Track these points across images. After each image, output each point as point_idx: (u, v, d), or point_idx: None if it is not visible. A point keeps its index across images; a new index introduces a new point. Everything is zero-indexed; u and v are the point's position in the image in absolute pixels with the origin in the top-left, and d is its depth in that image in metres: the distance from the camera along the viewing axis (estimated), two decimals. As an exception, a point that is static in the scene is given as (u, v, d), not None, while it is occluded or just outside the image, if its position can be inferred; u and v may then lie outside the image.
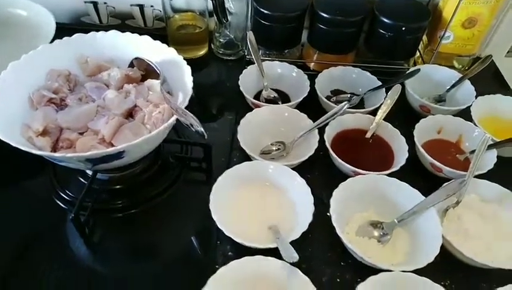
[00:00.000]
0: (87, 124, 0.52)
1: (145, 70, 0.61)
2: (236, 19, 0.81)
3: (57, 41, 0.60)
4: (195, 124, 0.47)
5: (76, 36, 0.61)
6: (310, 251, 0.55)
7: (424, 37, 0.85)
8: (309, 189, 0.55)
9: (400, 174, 0.64)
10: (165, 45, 0.61)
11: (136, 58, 0.60)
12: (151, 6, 0.88)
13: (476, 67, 0.75)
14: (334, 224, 0.51)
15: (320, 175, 0.65)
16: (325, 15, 0.74)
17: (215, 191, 0.54)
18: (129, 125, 0.51)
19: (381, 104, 0.68)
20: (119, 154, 0.46)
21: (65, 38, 0.61)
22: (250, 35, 0.75)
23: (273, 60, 0.78)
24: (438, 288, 0.46)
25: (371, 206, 0.58)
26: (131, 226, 0.59)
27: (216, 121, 0.74)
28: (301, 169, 0.64)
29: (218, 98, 0.80)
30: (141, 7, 0.89)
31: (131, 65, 0.62)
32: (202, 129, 0.47)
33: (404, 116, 0.73)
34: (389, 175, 0.61)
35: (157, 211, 0.60)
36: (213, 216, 0.51)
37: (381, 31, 0.75)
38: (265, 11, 0.75)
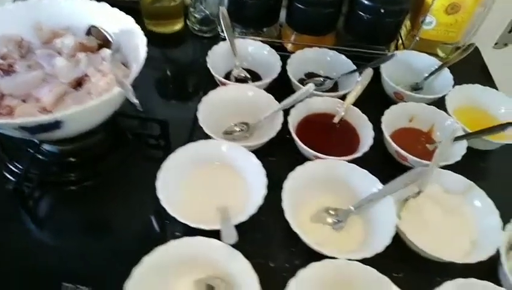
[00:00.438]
0: (32, 91, 0.49)
1: (103, 40, 0.59)
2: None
3: (10, 5, 0.57)
4: (129, 95, 0.45)
5: (33, 1, 0.58)
6: (260, 234, 0.54)
7: (408, 23, 0.82)
8: (263, 171, 0.53)
9: (366, 161, 0.61)
10: (123, 13, 0.58)
11: (92, 27, 0.58)
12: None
13: (456, 56, 0.72)
14: (284, 208, 0.49)
15: (283, 159, 0.62)
16: (301, -8, 0.71)
17: (164, 169, 0.52)
18: (73, 95, 0.49)
19: (352, 89, 0.65)
20: (56, 124, 0.43)
21: (20, 2, 0.58)
22: (223, 10, 0.72)
23: (248, 39, 0.75)
24: (382, 279, 0.44)
25: (329, 192, 0.56)
26: (83, 200, 0.57)
27: (183, 99, 0.72)
28: (264, 152, 0.62)
29: (189, 75, 0.78)
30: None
31: (88, 33, 0.59)
32: (136, 101, 0.45)
33: (378, 102, 0.70)
34: (353, 161, 0.58)
35: (110, 186, 0.58)
36: (158, 195, 0.49)
37: (360, 12, 0.72)
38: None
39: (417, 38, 0.77)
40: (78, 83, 0.53)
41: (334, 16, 0.75)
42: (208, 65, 0.68)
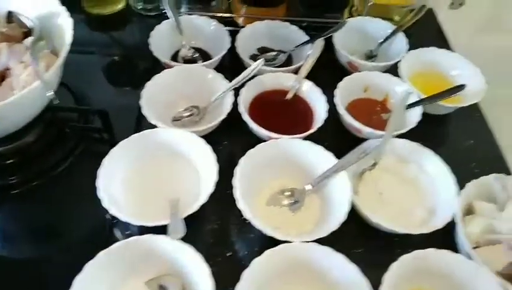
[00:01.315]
0: None
1: (29, 28, 0.53)
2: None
3: None
4: (44, 88, 0.41)
5: None
6: (215, 224, 0.52)
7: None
8: (214, 156, 0.50)
9: (323, 137, 0.59)
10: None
11: (9, 12, 0.52)
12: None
13: (410, 19, 0.70)
14: (236, 194, 0.47)
15: (237, 141, 0.60)
16: (245, -39, 0.66)
17: (106, 166, 0.48)
18: (-7, 92, 0.44)
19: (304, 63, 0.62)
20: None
21: None
22: (164, -15, 0.66)
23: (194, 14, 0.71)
24: (338, 256, 0.43)
25: (286, 173, 0.54)
26: (25, 204, 0.53)
27: (128, 85, 0.67)
28: (217, 135, 0.59)
29: (134, 58, 0.73)
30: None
31: (10, 21, 0.53)
32: (50, 94, 0.41)
33: (335, 73, 0.68)
34: (310, 137, 0.56)
35: (54, 186, 0.54)
36: (99, 194, 0.46)
37: (308, -21, 0.68)
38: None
39: (370, 3, 0.75)
40: (2, 77, 0.48)
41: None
42: (150, 47, 0.63)
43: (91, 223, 0.51)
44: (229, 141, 0.60)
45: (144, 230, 0.45)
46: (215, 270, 0.44)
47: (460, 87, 0.57)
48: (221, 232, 0.51)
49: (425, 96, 0.59)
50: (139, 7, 0.78)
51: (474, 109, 0.68)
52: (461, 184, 0.51)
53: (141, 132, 0.51)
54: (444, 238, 0.49)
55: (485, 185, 0.50)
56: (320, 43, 0.62)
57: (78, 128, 0.57)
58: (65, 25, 0.50)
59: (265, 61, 0.68)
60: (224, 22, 0.75)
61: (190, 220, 0.47)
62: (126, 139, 0.51)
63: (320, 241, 0.45)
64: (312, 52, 0.61)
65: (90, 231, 0.50)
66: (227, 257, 0.49)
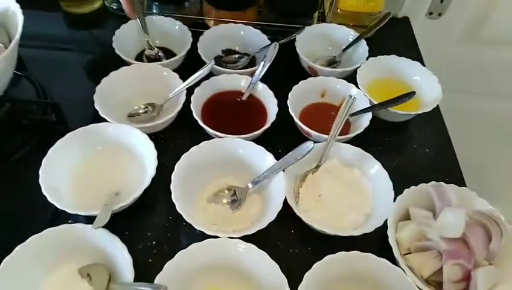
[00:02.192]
0: None
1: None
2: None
3: None
4: None
5: None
6: (160, 217, 0.52)
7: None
8: (154, 152, 0.51)
9: (275, 139, 0.61)
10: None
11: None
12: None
13: (373, 26, 0.70)
14: (172, 189, 0.48)
15: (189, 139, 0.60)
16: (211, -35, 0.68)
17: (51, 155, 0.50)
18: None
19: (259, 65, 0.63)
20: None
21: None
22: (131, -15, 0.68)
23: (167, 17, 0.72)
24: (259, 253, 0.43)
25: (231, 171, 0.55)
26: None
27: (93, 81, 0.69)
28: (171, 132, 0.61)
29: (102, 56, 0.74)
30: (26, -45, 0.80)
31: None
32: None
33: (297, 77, 0.68)
34: (262, 138, 0.57)
35: (2, 174, 0.56)
36: (40, 182, 0.47)
37: (274, -15, 0.69)
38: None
39: (338, 10, 0.75)
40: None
41: (249, -10, 0.72)
42: (113, 44, 0.65)
43: (36, 210, 0.52)
44: (183, 137, 0.61)
45: (88, 221, 0.47)
46: (146, 262, 0.45)
47: (411, 94, 0.58)
48: (156, 226, 0.52)
49: (377, 102, 0.60)
50: (114, 7, 0.80)
51: (436, 117, 0.68)
52: (400, 190, 0.51)
53: (88, 126, 0.53)
54: (386, 242, 0.49)
55: (423, 192, 0.50)
56: (273, 47, 0.62)
57: (34, 120, 0.59)
58: (18, 21, 0.52)
59: (228, 63, 0.70)
60: (196, 24, 0.77)
61: (136, 212, 0.49)
62: (72, 132, 0.52)
63: (257, 240, 0.45)
64: (267, 56, 0.62)
65: (33, 218, 0.51)
66: (163, 250, 0.50)
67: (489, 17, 0.92)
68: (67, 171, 0.51)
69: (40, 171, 0.48)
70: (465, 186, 0.60)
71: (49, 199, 0.46)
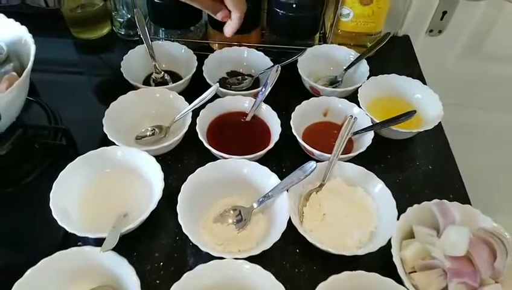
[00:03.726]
0: None
1: None
2: (131, -3, 0.78)
3: None
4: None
5: None
6: (167, 239, 0.53)
7: (332, 15, 0.82)
8: (161, 174, 0.53)
9: (279, 158, 0.62)
10: (17, 23, 0.58)
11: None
12: (49, -16, 0.84)
13: (373, 46, 0.72)
14: (178, 210, 0.49)
15: (195, 160, 0.62)
16: (215, -8, 0.70)
17: (62, 178, 0.51)
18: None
19: (263, 86, 0.65)
20: None
21: None
22: (137, 12, 0.71)
23: (174, 41, 0.75)
24: (264, 274, 0.44)
25: (236, 191, 0.56)
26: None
27: (100, 105, 0.70)
28: (178, 153, 0.62)
29: (111, 80, 0.77)
30: (39, -14, 0.84)
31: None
32: None
33: (301, 97, 0.70)
34: (267, 157, 0.58)
35: (15, 196, 0.57)
36: (51, 205, 0.49)
37: (276, 9, 0.71)
38: (153, -12, 0.71)
39: (339, 30, 0.77)
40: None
41: (252, 13, 0.74)
42: (121, 69, 0.68)
43: (46, 232, 0.53)
44: (189, 158, 0.63)
45: (98, 243, 0.47)
46: (154, 283, 0.46)
47: (412, 113, 0.58)
48: (164, 247, 0.53)
49: (378, 121, 0.61)
50: (122, 32, 0.83)
51: (438, 134, 0.68)
52: (403, 208, 0.51)
53: (96, 150, 0.55)
54: (391, 261, 0.49)
55: (426, 210, 0.50)
56: (275, 69, 0.64)
57: (45, 145, 0.61)
58: (31, 50, 0.54)
59: (232, 85, 0.72)
60: (201, 47, 0.80)
61: (143, 233, 0.50)
62: (82, 156, 0.54)
63: (262, 260, 0.46)
64: (269, 79, 0.64)
65: (43, 240, 0.53)
66: (170, 271, 0.50)
67: (489, 33, 0.94)
68: (77, 194, 0.53)
69: (51, 195, 0.49)
70: (469, 203, 0.60)
71: (59, 222, 0.47)
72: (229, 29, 0.59)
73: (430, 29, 0.93)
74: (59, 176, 0.52)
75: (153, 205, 0.49)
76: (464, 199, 0.60)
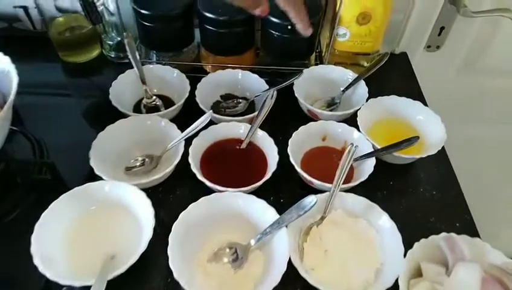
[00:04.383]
0: None
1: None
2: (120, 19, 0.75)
3: None
4: None
5: None
6: (147, 281, 0.50)
7: (328, 35, 0.80)
8: (152, 211, 0.49)
9: (277, 187, 0.59)
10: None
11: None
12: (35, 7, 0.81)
13: (371, 67, 0.70)
14: (169, 253, 0.46)
15: (190, 191, 0.59)
16: (207, 14, 0.68)
17: (44, 220, 0.48)
18: None
19: (258, 111, 0.62)
20: None
21: None
22: (127, 36, 0.68)
23: (165, 64, 0.73)
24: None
25: (230, 227, 0.53)
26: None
27: (88, 134, 0.67)
28: (170, 184, 0.59)
29: (102, 108, 0.73)
30: (25, 9, 0.81)
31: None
32: None
33: (298, 120, 0.67)
34: (263, 187, 0.55)
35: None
36: (31, 250, 0.45)
37: (271, 30, 0.69)
38: (143, 11, 0.68)
39: (335, 51, 0.75)
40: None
41: (245, 35, 0.72)
42: (110, 97, 0.65)
43: (29, 277, 0.50)
44: (182, 189, 0.60)
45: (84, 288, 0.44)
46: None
47: (414, 139, 0.56)
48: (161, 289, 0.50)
49: (380, 146, 0.58)
50: (112, 55, 0.80)
51: (441, 157, 0.66)
52: (417, 239, 0.48)
53: (82, 186, 0.51)
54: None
55: (434, 245, 0.47)
56: (270, 93, 0.62)
57: (29, 179, 0.58)
58: (13, 81, 0.52)
59: (226, 109, 0.70)
60: (194, 69, 0.77)
61: (132, 275, 0.47)
62: (66, 194, 0.50)
63: None
64: (265, 104, 0.61)
65: (26, 286, 0.49)
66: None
67: (487, 48, 0.92)
68: (61, 235, 0.49)
69: (32, 239, 0.46)
70: (476, 229, 0.57)
71: (40, 269, 0.44)
72: (304, 25, 0.53)
73: (428, 45, 0.91)
74: (41, 216, 0.48)
75: (142, 248, 0.46)
76: (470, 226, 0.58)
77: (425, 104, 0.71)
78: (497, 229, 1.17)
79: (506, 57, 0.93)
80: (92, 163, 0.55)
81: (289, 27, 0.66)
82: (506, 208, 1.27)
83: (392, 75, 0.82)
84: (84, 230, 0.51)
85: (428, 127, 0.64)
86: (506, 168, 1.17)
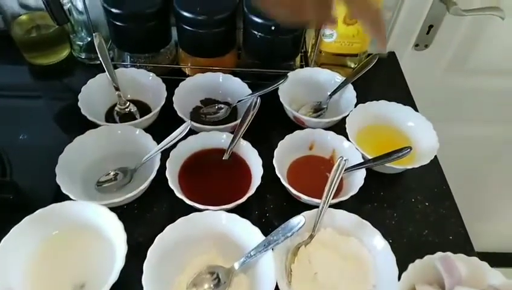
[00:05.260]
0: None
1: None
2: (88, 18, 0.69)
3: None
4: None
5: None
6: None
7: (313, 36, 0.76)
8: (124, 236, 0.45)
9: (262, 201, 0.56)
10: None
11: None
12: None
13: (359, 70, 0.66)
14: (143, 283, 0.42)
15: (165, 207, 0.55)
16: (184, 12, 0.62)
17: (3, 249, 0.43)
18: None
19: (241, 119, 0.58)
20: None
21: None
22: (97, 36, 0.63)
23: (139, 67, 0.67)
24: None
25: (211, 248, 0.49)
26: None
27: (56, 147, 0.61)
28: (144, 202, 0.55)
29: (71, 115, 0.67)
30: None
31: None
32: None
33: (285, 128, 0.63)
34: (247, 202, 0.51)
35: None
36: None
37: (253, 31, 0.64)
38: (114, 10, 0.62)
39: (321, 52, 0.71)
40: None
41: (225, 36, 0.67)
42: (79, 104, 0.59)
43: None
44: (159, 205, 0.55)
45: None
46: None
47: (406, 149, 0.53)
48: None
49: (370, 156, 0.55)
50: (82, 56, 0.74)
51: (433, 165, 0.63)
52: (411, 257, 0.45)
53: (46, 207, 0.46)
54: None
55: (429, 266, 0.44)
56: (255, 106, 0.57)
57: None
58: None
59: (207, 115, 0.65)
60: (172, 71, 0.72)
61: None
62: (29, 217, 0.45)
63: None
64: (248, 112, 0.57)
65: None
66: None
67: (475, 47, 0.90)
68: (23, 263, 0.44)
69: (-9, 271, 0.41)
70: (471, 243, 0.55)
71: (-1, 305, 0.39)
72: (381, 41, 0.40)
73: (416, 43, 0.88)
74: (1, 243, 0.43)
75: (113, 278, 0.41)
76: (465, 239, 0.55)
77: (415, 107, 0.68)
78: (483, 224, 1.19)
79: (494, 56, 0.91)
80: (59, 180, 0.49)
81: (273, 28, 0.62)
82: (492, 203, 1.27)
83: (379, 75, 0.79)
84: (50, 257, 0.46)
85: (419, 134, 0.61)
86: (492, 167, 1.17)
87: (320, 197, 0.50)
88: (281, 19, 0.37)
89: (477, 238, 0.60)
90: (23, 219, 0.45)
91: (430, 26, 0.84)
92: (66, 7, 0.66)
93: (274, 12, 0.36)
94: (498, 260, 0.44)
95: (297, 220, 0.44)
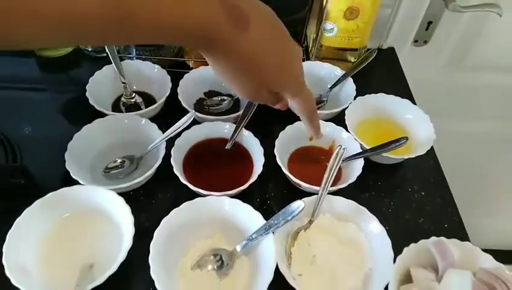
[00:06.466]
0: None
1: None
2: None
3: None
4: None
5: None
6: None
7: (314, 31, 0.77)
8: (131, 219, 0.47)
9: (263, 189, 0.57)
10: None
11: None
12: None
13: (358, 64, 0.68)
14: (150, 262, 0.44)
15: (170, 194, 0.57)
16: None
17: (17, 227, 0.45)
18: None
19: (243, 110, 0.60)
20: None
21: None
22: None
23: (145, 59, 0.69)
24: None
25: (215, 232, 0.51)
26: None
27: (65, 135, 0.63)
28: (151, 188, 0.57)
29: (79, 106, 0.69)
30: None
31: None
32: None
33: (282, 118, 0.64)
34: (249, 189, 0.53)
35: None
36: (3, 261, 0.42)
37: (256, 24, 0.66)
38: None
39: (321, 47, 0.73)
40: None
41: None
42: (87, 94, 0.61)
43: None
44: (164, 192, 0.57)
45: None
46: None
47: (403, 140, 0.55)
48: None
49: (368, 147, 0.57)
50: (89, 49, 0.76)
51: (430, 156, 0.65)
52: (406, 243, 0.47)
53: (57, 191, 0.48)
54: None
55: (423, 250, 0.46)
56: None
57: (1, 184, 0.54)
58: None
59: (210, 106, 0.67)
60: (176, 64, 0.74)
61: (112, 284, 0.44)
62: (40, 200, 0.47)
63: None
64: (249, 102, 0.59)
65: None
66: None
67: (474, 43, 0.92)
68: (35, 244, 0.46)
69: (4, 249, 0.43)
70: (465, 231, 0.57)
71: (13, 281, 0.41)
72: (317, 131, 0.47)
73: (415, 39, 0.90)
74: (14, 224, 0.45)
75: (121, 257, 0.44)
76: (459, 227, 0.57)
77: (413, 101, 0.70)
78: (481, 220, 1.20)
79: (493, 53, 0.92)
80: (68, 166, 0.51)
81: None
82: (491, 200, 1.29)
83: (379, 70, 0.81)
84: (60, 238, 0.48)
85: (416, 126, 0.62)
86: (491, 163, 1.18)
87: (319, 186, 0.52)
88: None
89: (475, 234, 0.61)
90: (35, 202, 0.47)
91: (429, 23, 0.86)
92: None
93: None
94: (496, 257, 0.46)
95: (297, 205, 0.46)
